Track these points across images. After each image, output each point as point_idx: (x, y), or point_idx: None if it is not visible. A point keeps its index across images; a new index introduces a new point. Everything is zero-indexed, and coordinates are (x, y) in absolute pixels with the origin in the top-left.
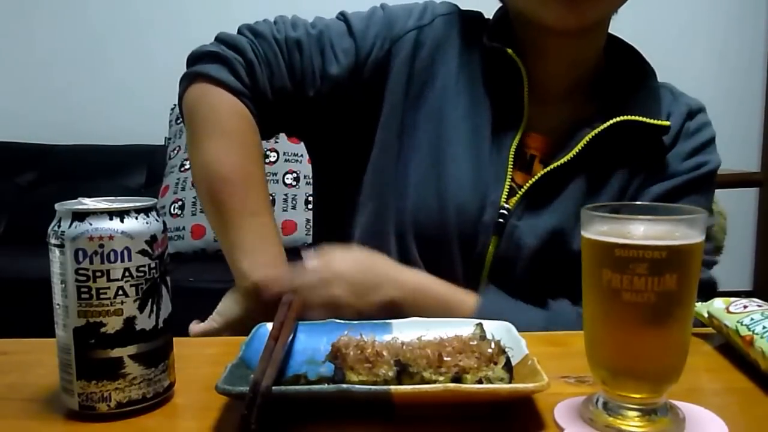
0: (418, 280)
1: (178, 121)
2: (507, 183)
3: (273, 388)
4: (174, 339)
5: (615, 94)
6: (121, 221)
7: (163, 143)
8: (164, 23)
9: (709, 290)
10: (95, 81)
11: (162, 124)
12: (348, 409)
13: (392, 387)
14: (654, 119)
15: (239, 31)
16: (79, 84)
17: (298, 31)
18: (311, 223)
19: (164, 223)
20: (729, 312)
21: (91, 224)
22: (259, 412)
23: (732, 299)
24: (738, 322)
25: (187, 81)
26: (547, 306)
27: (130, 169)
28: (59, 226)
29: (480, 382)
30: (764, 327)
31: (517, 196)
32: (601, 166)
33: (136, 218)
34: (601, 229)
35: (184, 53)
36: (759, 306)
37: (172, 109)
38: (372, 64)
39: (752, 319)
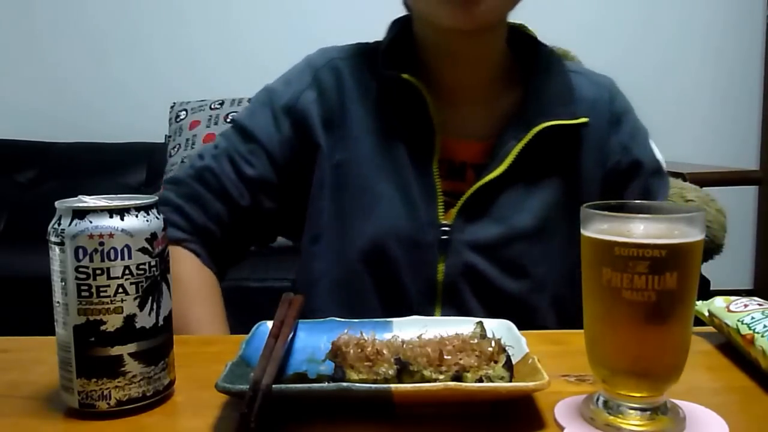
0: None
1: (178, 119)
2: (440, 199)
3: (273, 386)
4: (174, 337)
5: (533, 88)
6: (122, 219)
7: (163, 141)
8: (164, 21)
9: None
10: (95, 78)
11: (162, 121)
12: (348, 408)
13: (392, 385)
14: (571, 118)
15: (161, 187)
16: (79, 81)
17: (205, 159)
18: None
19: (164, 220)
20: (729, 311)
21: (91, 222)
22: (259, 410)
23: (732, 298)
24: (738, 320)
25: None
26: None
27: (130, 167)
28: (59, 224)
29: (480, 380)
30: (765, 326)
31: (454, 210)
32: (536, 167)
33: (137, 216)
34: (601, 228)
35: (184, 51)
36: (759, 305)
37: (172, 107)
38: (287, 144)
39: (753, 317)
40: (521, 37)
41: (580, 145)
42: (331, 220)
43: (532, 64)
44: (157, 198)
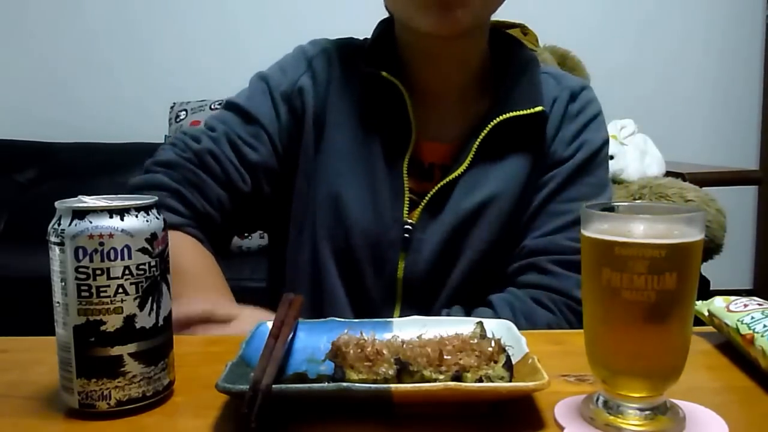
0: None
1: (178, 119)
2: (406, 198)
3: (273, 386)
4: (174, 337)
5: (503, 91)
6: (121, 219)
7: (163, 141)
8: (164, 21)
9: None
10: (96, 79)
11: (162, 122)
12: (348, 408)
13: (392, 385)
14: (529, 109)
15: (148, 170)
16: (79, 82)
17: (202, 142)
18: None
19: (164, 220)
20: (729, 310)
21: (91, 222)
22: (259, 410)
23: (732, 298)
24: (738, 320)
25: None
26: None
27: (130, 167)
28: (59, 224)
29: (480, 380)
30: (764, 326)
31: (419, 209)
32: (495, 161)
33: (137, 216)
34: (601, 228)
35: (184, 51)
36: (759, 305)
37: (172, 108)
38: (285, 131)
39: (752, 317)
40: (504, 39)
41: (542, 141)
42: (310, 211)
43: (508, 66)
44: (156, 199)
